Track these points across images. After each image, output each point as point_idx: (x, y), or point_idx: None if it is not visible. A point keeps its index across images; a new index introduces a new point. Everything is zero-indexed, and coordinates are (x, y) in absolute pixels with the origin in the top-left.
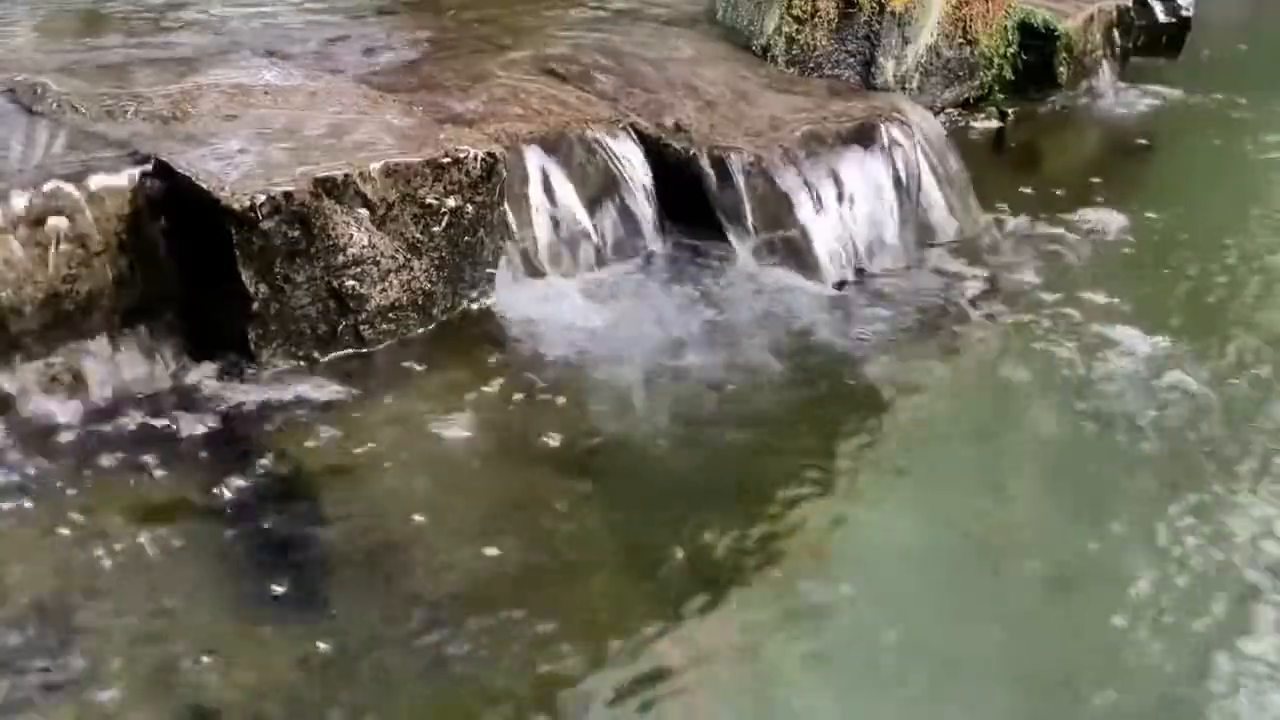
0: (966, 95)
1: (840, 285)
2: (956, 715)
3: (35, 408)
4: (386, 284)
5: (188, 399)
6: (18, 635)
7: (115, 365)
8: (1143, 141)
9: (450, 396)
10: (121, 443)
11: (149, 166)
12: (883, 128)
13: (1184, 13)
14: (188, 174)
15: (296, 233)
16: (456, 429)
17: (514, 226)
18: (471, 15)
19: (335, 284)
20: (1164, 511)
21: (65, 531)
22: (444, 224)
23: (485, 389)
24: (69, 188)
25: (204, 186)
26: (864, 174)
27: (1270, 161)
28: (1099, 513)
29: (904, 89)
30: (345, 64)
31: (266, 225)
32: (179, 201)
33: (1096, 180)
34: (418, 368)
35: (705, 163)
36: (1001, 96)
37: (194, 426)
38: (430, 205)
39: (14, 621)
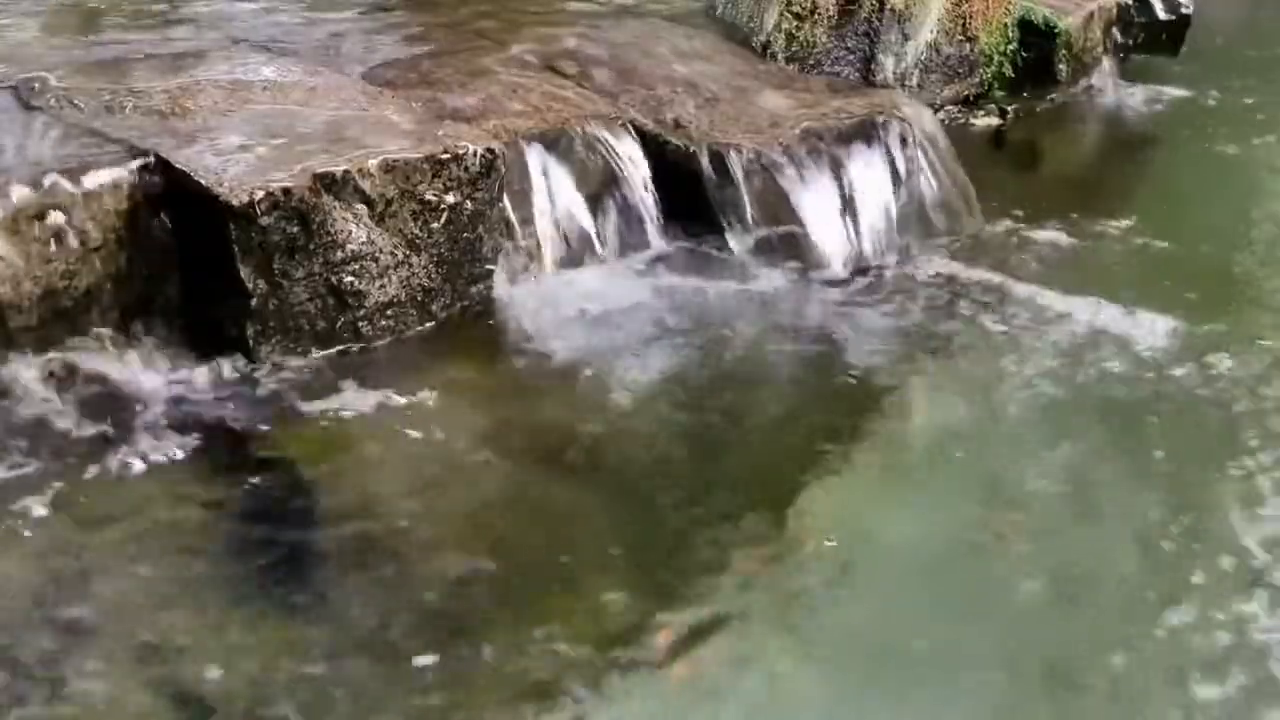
0: (966, 92)
1: (839, 282)
2: (955, 713)
3: (32, 404)
4: (385, 280)
5: (185, 395)
6: (13, 631)
7: (113, 361)
8: (1142, 139)
9: (450, 393)
10: (118, 439)
11: (147, 162)
12: (882, 125)
13: (1184, 10)
14: (186, 170)
15: (295, 229)
16: (456, 425)
17: (513, 223)
18: (470, 11)
19: (334, 280)
20: (1166, 511)
21: (62, 528)
22: (443, 220)
23: (485, 385)
24: (67, 183)
25: (202, 182)
26: (863, 171)
27: (1270, 159)
28: (1101, 511)
29: (904, 86)
30: (344, 60)
31: (265, 221)
32: (177, 197)
33: (1096, 177)
34: (417, 364)
35: (705, 159)
36: (1001, 93)
37: (192, 423)
38: (429, 201)
39: (9, 617)
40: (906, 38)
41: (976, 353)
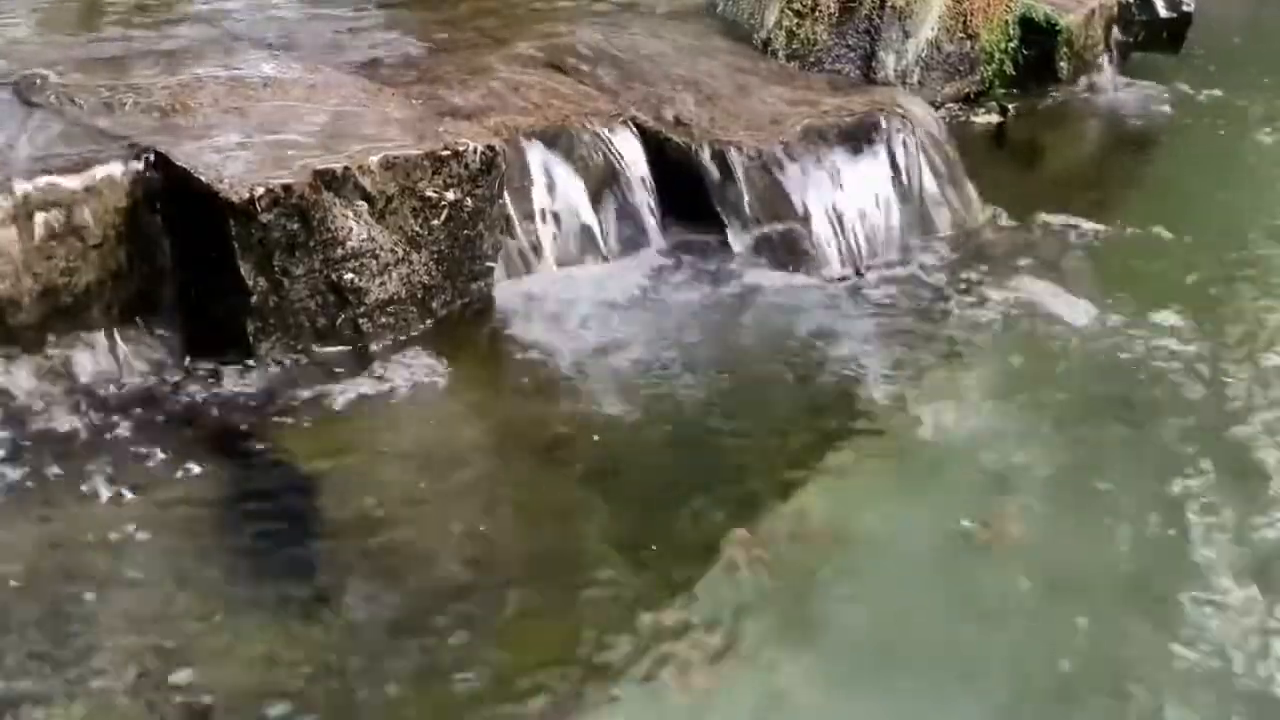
0: (967, 90)
1: (839, 280)
2: (954, 712)
3: (32, 401)
4: (386, 277)
5: (185, 393)
6: (13, 629)
7: (113, 359)
8: (1143, 136)
9: (449, 391)
10: (118, 436)
11: (148, 159)
12: (883, 122)
13: (1185, 8)
14: (186, 166)
15: (295, 226)
16: (456, 423)
17: (514, 220)
18: (471, 8)
19: (334, 277)
20: (1165, 506)
21: (62, 526)
22: (443, 217)
23: (485, 383)
24: (67, 180)
25: (203, 179)
26: (864, 169)
27: (1271, 157)
28: (1099, 509)
29: (904, 83)
30: (344, 57)
31: (265, 218)
32: (177, 194)
33: (1096, 175)
34: (417, 362)
35: (705, 157)
36: (1002, 91)
37: (192, 420)
38: (429, 198)
39: (9, 616)
40: (907, 35)
41: (977, 351)
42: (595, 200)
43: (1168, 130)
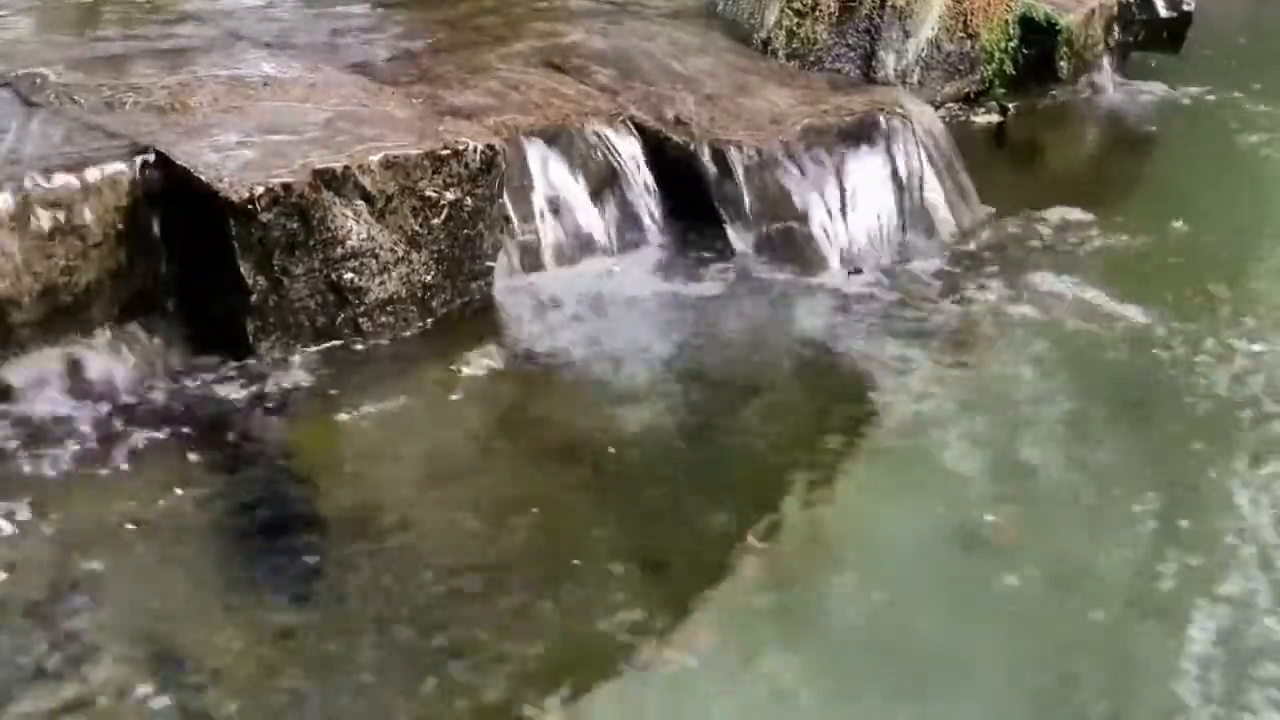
0: (967, 89)
1: (839, 279)
2: (955, 710)
3: (32, 400)
4: (385, 277)
5: (185, 391)
6: (15, 621)
7: (113, 357)
8: (1143, 136)
9: (449, 390)
10: (119, 434)
11: (147, 158)
12: (883, 122)
13: (1185, 7)
14: (186, 166)
15: (295, 225)
16: (455, 422)
17: (513, 219)
18: (471, 7)
19: (334, 276)
20: (1165, 504)
21: (62, 521)
22: (443, 216)
23: (484, 382)
24: (67, 179)
25: (202, 178)
26: (864, 168)
27: (1270, 156)
28: (1098, 507)
29: (904, 83)
30: (344, 56)
31: (265, 217)
32: (177, 193)
33: (1096, 175)
34: (416, 361)
35: (705, 156)
36: (1002, 91)
37: (192, 418)
38: (429, 198)
39: (11, 608)
40: (907, 35)
41: (976, 349)
42: (595, 199)
43: (1168, 130)
